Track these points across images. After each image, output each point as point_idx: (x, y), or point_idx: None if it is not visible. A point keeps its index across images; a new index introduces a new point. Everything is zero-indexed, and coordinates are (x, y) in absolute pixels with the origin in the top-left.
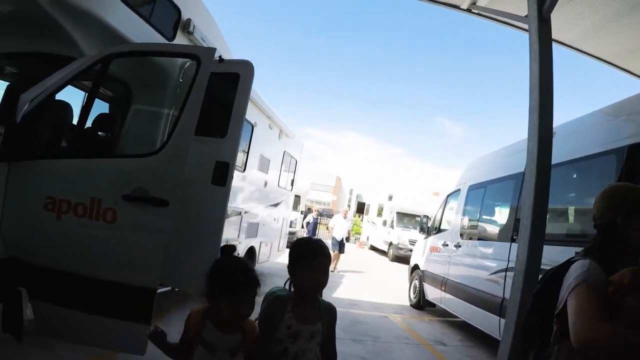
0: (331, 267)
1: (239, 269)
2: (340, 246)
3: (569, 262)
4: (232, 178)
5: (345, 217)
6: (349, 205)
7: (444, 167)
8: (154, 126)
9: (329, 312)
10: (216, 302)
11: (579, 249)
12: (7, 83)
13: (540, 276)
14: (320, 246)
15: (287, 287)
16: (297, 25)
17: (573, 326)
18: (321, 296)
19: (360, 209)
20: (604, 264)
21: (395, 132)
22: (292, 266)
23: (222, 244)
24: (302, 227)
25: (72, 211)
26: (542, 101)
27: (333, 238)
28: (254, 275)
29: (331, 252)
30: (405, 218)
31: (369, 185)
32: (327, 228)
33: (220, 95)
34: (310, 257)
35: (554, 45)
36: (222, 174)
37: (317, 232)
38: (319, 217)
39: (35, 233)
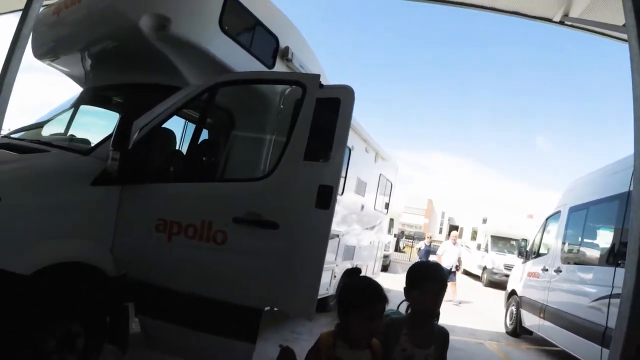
0: (449, 297)
1: (369, 285)
2: (450, 274)
3: None
4: (336, 201)
5: (454, 244)
6: (441, 229)
7: (537, 187)
8: (256, 152)
9: (443, 337)
10: (348, 319)
11: None
12: (121, 113)
13: None
14: (435, 270)
15: (400, 309)
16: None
17: None
18: (437, 321)
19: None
20: None
21: (487, 154)
22: (408, 289)
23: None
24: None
25: (183, 232)
26: None
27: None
28: (382, 290)
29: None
30: (499, 242)
31: (461, 208)
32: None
33: (322, 121)
34: (426, 281)
35: None
36: (325, 198)
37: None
38: (430, 244)
39: (146, 252)
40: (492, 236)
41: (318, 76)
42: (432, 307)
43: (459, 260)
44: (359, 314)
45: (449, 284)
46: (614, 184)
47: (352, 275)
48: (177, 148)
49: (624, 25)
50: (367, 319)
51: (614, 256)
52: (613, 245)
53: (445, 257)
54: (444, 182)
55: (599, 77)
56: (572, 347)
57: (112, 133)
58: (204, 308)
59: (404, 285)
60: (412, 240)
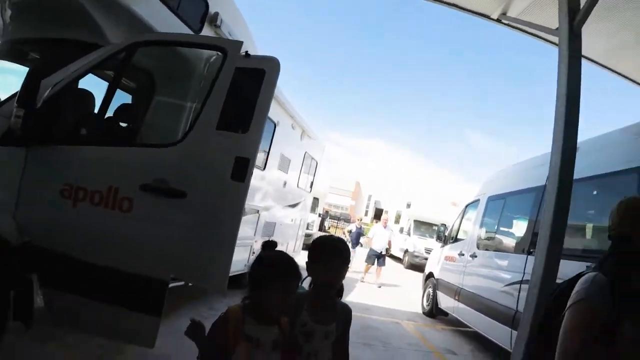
0: (371, 281)
1: (284, 261)
2: (380, 259)
3: (579, 276)
4: (252, 174)
5: (385, 227)
6: (366, 211)
7: (465, 178)
8: (176, 118)
9: (345, 314)
10: (260, 293)
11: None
12: (30, 68)
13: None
14: (337, 244)
15: (303, 285)
16: (326, 25)
17: (559, 346)
18: (341, 298)
19: (378, 215)
20: (615, 276)
21: (421, 142)
22: (310, 262)
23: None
24: (344, 234)
25: (88, 199)
26: (568, 116)
27: (371, 249)
28: (297, 266)
29: (364, 263)
30: (422, 226)
31: (388, 192)
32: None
33: (244, 91)
34: (328, 255)
35: (583, 60)
36: (241, 170)
37: (360, 242)
38: (361, 227)
39: (50, 219)
40: (415, 220)
41: (240, 43)
42: (333, 281)
43: (389, 243)
44: (272, 288)
45: (376, 267)
46: (532, 177)
47: (267, 249)
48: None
49: (557, 28)
50: (280, 295)
51: (526, 245)
52: (526, 234)
53: (375, 241)
54: (373, 166)
55: (532, 78)
56: (485, 328)
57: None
58: (108, 279)
59: (306, 259)
60: (337, 221)
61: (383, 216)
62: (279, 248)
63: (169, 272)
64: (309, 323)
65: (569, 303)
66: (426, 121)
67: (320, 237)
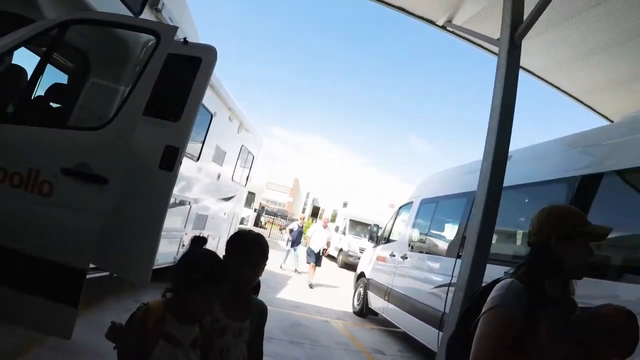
0: (307, 280)
1: (218, 263)
2: (317, 258)
3: (497, 281)
4: (181, 164)
5: (325, 227)
6: (304, 209)
7: (404, 180)
8: (110, 102)
9: (260, 311)
10: (186, 295)
11: None
12: None
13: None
14: (256, 240)
15: None
16: (275, 18)
17: (473, 352)
18: (257, 295)
19: (315, 213)
20: (532, 283)
21: (363, 143)
22: (226, 258)
23: (195, 235)
24: (284, 230)
25: (8, 180)
26: (502, 124)
27: (309, 248)
28: (226, 270)
29: (307, 264)
30: (357, 226)
31: (326, 190)
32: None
33: (179, 78)
34: (244, 251)
35: (520, 72)
36: (170, 159)
37: (302, 240)
38: (303, 226)
39: None
40: (350, 220)
41: (175, 28)
42: (250, 277)
43: (328, 244)
44: (195, 291)
45: (310, 266)
46: (464, 182)
47: (196, 245)
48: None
49: (498, 39)
50: (203, 298)
51: (456, 248)
52: (456, 238)
53: (314, 240)
54: (313, 164)
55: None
56: (413, 329)
57: None
58: (25, 266)
59: (224, 253)
60: (273, 217)
61: (324, 216)
62: (210, 242)
63: (87, 261)
64: (223, 319)
65: (484, 308)
66: (370, 123)
67: (238, 232)
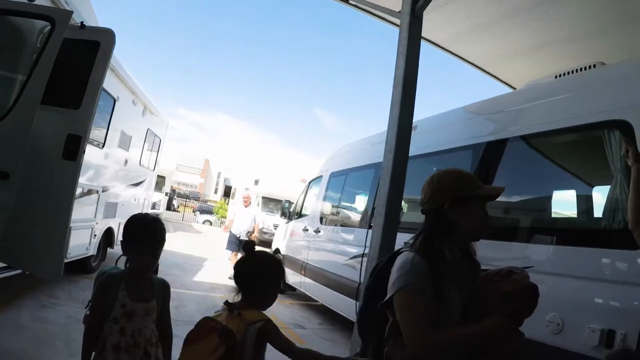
0: (228, 275)
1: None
2: (241, 246)
3: (398, 253)
4: (84, 152)
5: (247, 205)
6: (216, 189)
7: (318, 157)
8: (4, 93)
9: (163, 289)
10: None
11: None
12: None
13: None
14: (153, 226)
15: (119, 264)
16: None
17: (405, 335)
18: (156, 274)
19: (227, 192)
20: (430, 251)
21: (270, 119)
22: (124, 243)
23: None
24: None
25: None
26: (405, 95)
27: (230, 234)
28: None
29: (228, 252)
30: (270, 203)
31: (238, 169)
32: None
33: (77, 64)
34: (142, 237)
35: (424, 43)
36: (73, 148)
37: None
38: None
39: None
40: (263, 197)
41: (70, 12)
42: (149, 261)
43: (255, 227)
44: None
45: (232, 255)
46: (372, 154)
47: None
48: None
49: (399, 11)
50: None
51: (367, 219)
52: (366, 209)
53: (235, 223)
54: (224, 144)
55: (379, 60)
56: (331, 301)
57: None
58: None
59: (122, 239)
60: (186, 200)
61: (244, 194)
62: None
63: None
64: (129, 303)
65: (392, 290)
66: (277, 100)
67: (135, 216)
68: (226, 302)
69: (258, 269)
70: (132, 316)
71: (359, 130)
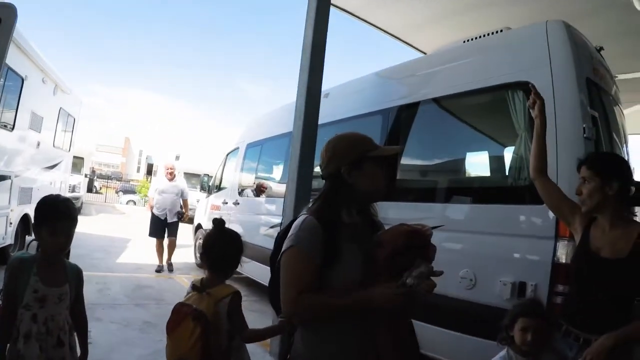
0: (158, 262)
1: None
2: (168, 228)
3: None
4: None
5: (172, 179)
6: (139, 168)
7: (237, 126)
8: None
9: (76, 274)
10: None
11: None
12: None
13: None
14: (65, 205)
15: (30, 249)
16: None
17: (281, 294)
18: (68, 258)
19: (150, 170)
20: (326, 214)
21: (191, 93)
22: (35, 227)
23: None
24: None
25: None
26: (313, 62)
27: (153, 216)
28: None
29: (158, 240)
30: (193, 178)
31: (160, 146)
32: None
33: None
34: (53, 220)
35: (336, 11)
36: None
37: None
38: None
39: None
40: (185, 172)
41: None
42: (62, 245)
43: (185, 203)
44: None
45: (157, 243)
46: (285, 123)
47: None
48: None
49: None
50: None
51: (283, 188)
52: (282, 178)
53: (158, 201)
54: (144, 120)
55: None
56: (255, 273)
57: None
58: None
59: (33, 222)
60: (107, 180)
61: (167, 164)
62: None
63: None
64: (41, 288)
65: (283, 248)
66: (196, 72)
67: (45, 198)
68: (193, 285)
69: (234, 246)
70: (45, 302)
71: (284, 98)
